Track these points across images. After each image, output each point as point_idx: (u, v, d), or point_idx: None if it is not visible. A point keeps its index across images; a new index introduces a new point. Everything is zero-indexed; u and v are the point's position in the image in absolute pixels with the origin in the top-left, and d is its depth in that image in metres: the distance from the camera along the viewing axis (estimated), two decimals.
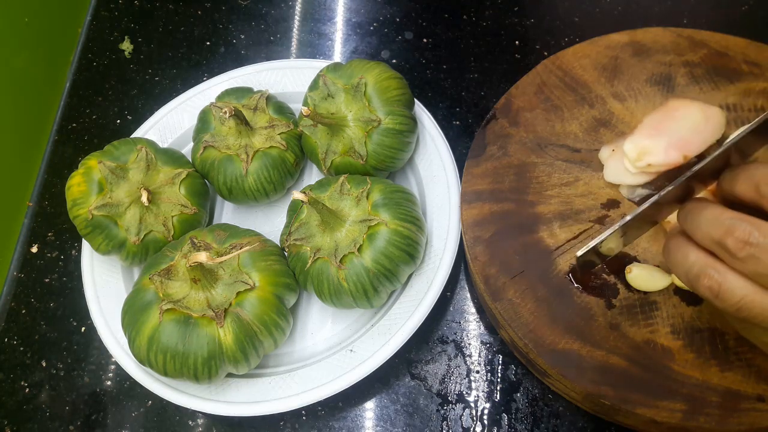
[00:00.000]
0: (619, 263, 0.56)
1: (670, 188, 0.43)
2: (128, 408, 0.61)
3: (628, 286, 0.56)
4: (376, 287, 0.55)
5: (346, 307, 0.58)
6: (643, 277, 0.55)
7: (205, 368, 0.52)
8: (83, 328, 0.65)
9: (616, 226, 0.45)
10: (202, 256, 0.49)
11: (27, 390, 0.63)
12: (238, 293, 0.53)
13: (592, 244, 0.46)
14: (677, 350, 0.52)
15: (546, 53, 0.76)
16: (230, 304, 0.52)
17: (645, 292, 0.55)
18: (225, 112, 0.57)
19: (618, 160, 0.60)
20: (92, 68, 0.81)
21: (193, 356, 0.51)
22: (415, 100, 0.65)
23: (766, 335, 0.42)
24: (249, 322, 0.52)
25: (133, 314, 0.53)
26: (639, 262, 0.56)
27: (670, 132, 0.58)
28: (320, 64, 0.69)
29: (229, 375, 0.56)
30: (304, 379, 0.56)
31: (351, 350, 0.57)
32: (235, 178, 0.61)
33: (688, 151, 0.57)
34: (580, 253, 0.46)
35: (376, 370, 0.56)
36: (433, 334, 0.62)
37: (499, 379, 0.60)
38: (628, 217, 0.44)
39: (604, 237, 0.45)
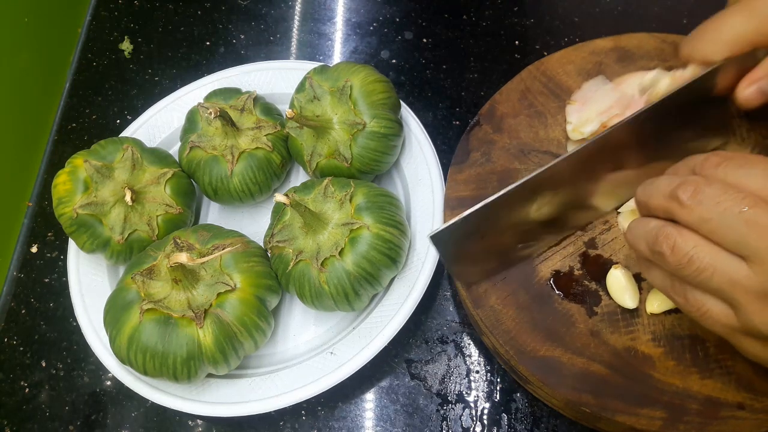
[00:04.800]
0: (602, 271, 0.56)
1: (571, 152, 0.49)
2: (128, 408, 0.62)
3: (609, 294, 0.55)
4: (357, 291, 0.55)
5: (327, 310, 0.58)
6: (620, 285, 0.54)
7: (184, 368, 0.52)
8: None
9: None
10: (183, 257, 0.49)
11: (27, 390, 0.63)
12: (219, 294, 0.53)
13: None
14: (658, 357, 0.52)
15: (546, 53, 0.75)
16: (210, 305, 0.53)
17: None
18: (211, 113, 0.58)
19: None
20: (92, 68, 0.82)
21: (172, 356, 0.52)
22: (402, 103, 0.65)
23: (747, 340, 0.42)
24: (229, 324, 0.53)
25: (114, 313, 0.53)
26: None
27: (613, 98, 0.60)
28: (310, 65, 0.69)
29: (210, 375, 0.57)
30: (283, 381, 0.56)
31: (331, 353, 0.57)
32: (220, 179, 0.62)
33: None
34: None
35: (376, 370, 0.56)
36: (433, 334, 0.62)
37: (498, 379, 0.60)
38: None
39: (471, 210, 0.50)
